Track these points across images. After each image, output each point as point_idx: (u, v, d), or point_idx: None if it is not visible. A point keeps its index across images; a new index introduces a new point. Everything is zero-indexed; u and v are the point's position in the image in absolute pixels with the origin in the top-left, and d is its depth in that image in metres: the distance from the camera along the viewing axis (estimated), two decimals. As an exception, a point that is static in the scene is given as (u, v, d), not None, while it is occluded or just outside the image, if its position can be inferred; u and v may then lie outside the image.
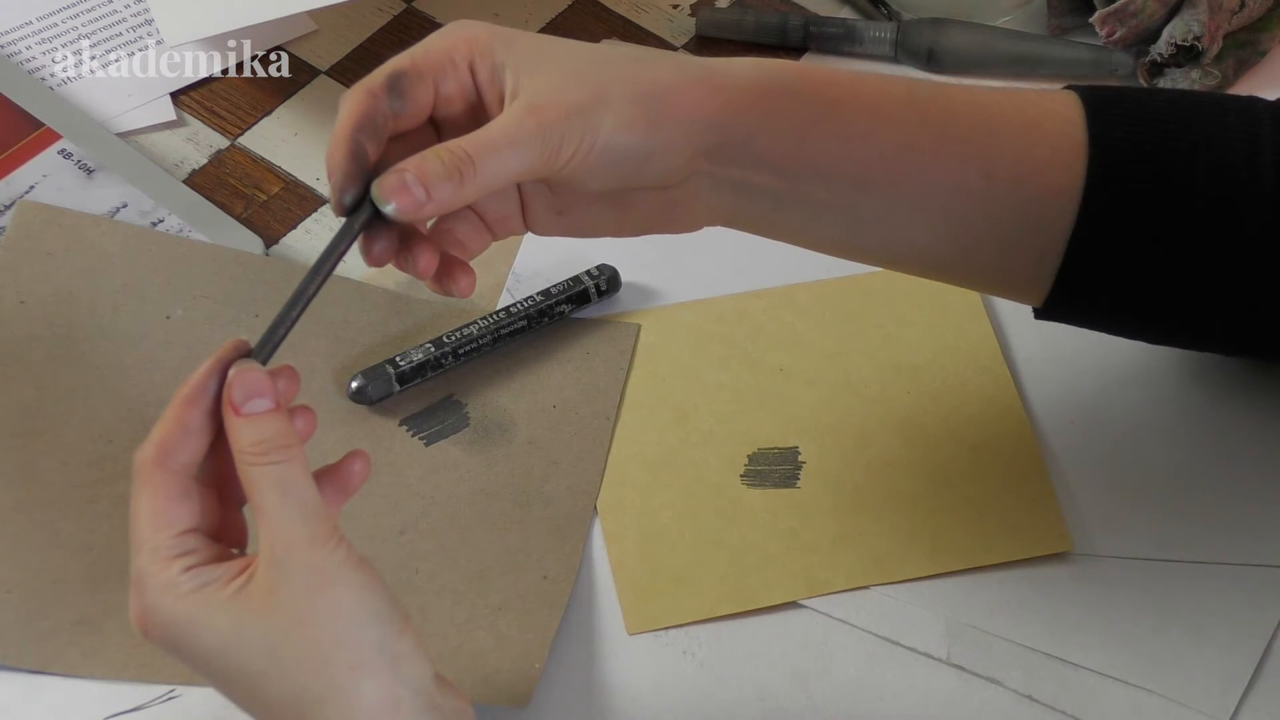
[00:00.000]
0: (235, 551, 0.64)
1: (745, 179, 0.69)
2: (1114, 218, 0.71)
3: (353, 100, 0.66)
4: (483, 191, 0.65)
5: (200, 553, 0.62)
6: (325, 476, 0.65)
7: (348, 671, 0.60)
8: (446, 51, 0.67)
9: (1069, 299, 0.73)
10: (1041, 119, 0.72)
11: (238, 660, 0.60)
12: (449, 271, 0.69)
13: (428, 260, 0.68)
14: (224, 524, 0.64)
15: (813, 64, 0.71)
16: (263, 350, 0.64)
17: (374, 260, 0.67)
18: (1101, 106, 0.72)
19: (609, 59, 0.68)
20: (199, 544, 0.62)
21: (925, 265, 0.74)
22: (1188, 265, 0.72)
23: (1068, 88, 0.74)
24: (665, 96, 0.67)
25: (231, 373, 0.63)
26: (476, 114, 0.68)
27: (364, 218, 0.66)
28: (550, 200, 0.70)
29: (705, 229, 0.86)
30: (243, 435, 0.62)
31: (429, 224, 0.69)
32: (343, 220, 0.66)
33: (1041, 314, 0.75)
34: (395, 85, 0.66)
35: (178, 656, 0.62)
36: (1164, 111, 0.73)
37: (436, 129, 0.69)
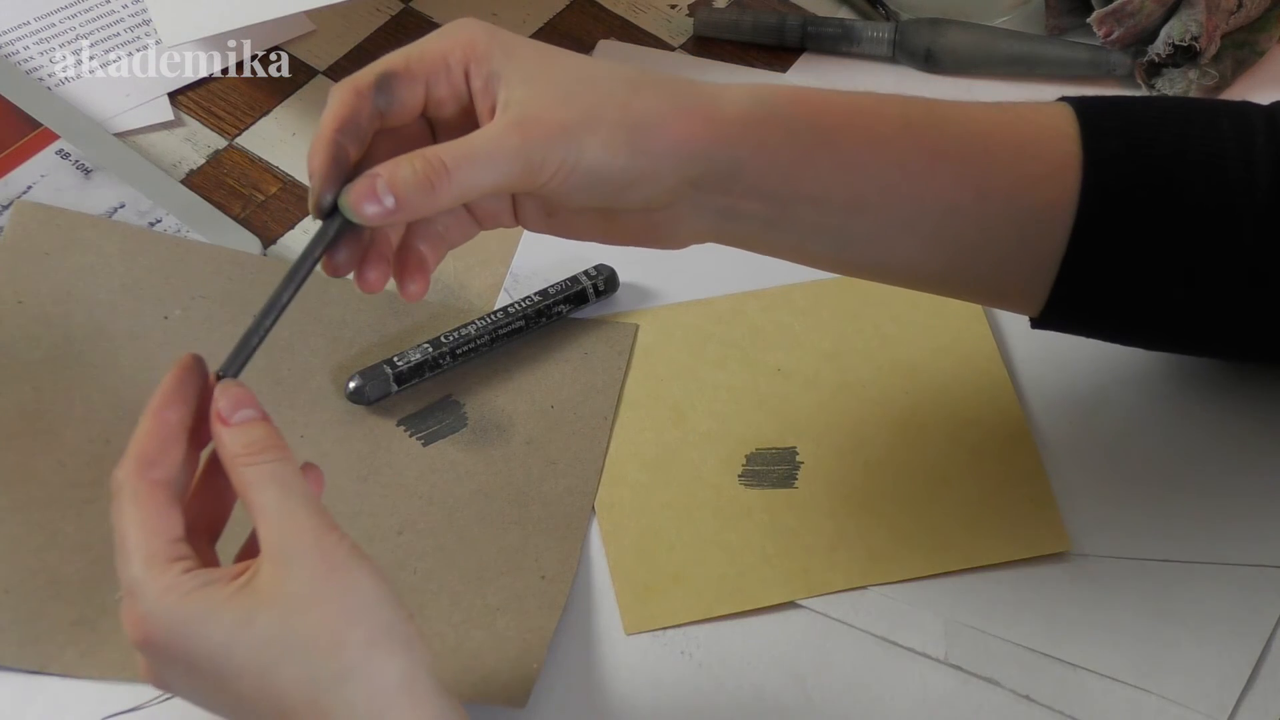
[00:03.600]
0: None
1: (733, 206, 0.69)
2: (1109, 230, 0.71)
3: (339, 99, 0.66)
4: (456, 202, 0.65)
5: (194, 558, 0.62)
6: None
7: (364, 650, 0.60)
8: (442, 55, 0.67)
9: (1065, 310, 0.73)
10: (1035, 134, 0.72)
11: (247, 653, 0.60)
12: (404, 273, 0.69)
13: (377, 276, 0.67)
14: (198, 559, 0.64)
15: (807, 89, 0.70)
16: (235, 360, 0.65)
17: (333, 270, 0.67)
18: (1095, 118, 0.72)
19: (604, 79, 0.67)
20: (190, 551, 0.62)
21: (919, 280, 0.74)
22: (1183, 275, 0.72)
23: (1061, 99, 0.74)
24: (654, 125, 0.67)
25: (216, 391, 0.64)
26: (468, 116, 0.68)
27: (339, 223, 0.66)
28: (540, 204, 0.70)
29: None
30: (234, 440, 0.63)
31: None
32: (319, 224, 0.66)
33: (1038, 324, 0.75)
34: (384, 86, 0.66)
35: (178, 666, 0.61)
36: (1157, 121, 0.73)
37: (430, 125, 0.69)
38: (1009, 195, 0.71)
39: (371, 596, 0.61)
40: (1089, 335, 0.77)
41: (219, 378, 0.64)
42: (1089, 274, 0.72)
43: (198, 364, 0.65)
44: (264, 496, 0.62)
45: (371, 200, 0.64)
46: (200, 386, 0.65)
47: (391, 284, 0.87)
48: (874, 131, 0.70)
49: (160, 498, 0.63)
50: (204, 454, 0.66)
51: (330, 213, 0.66)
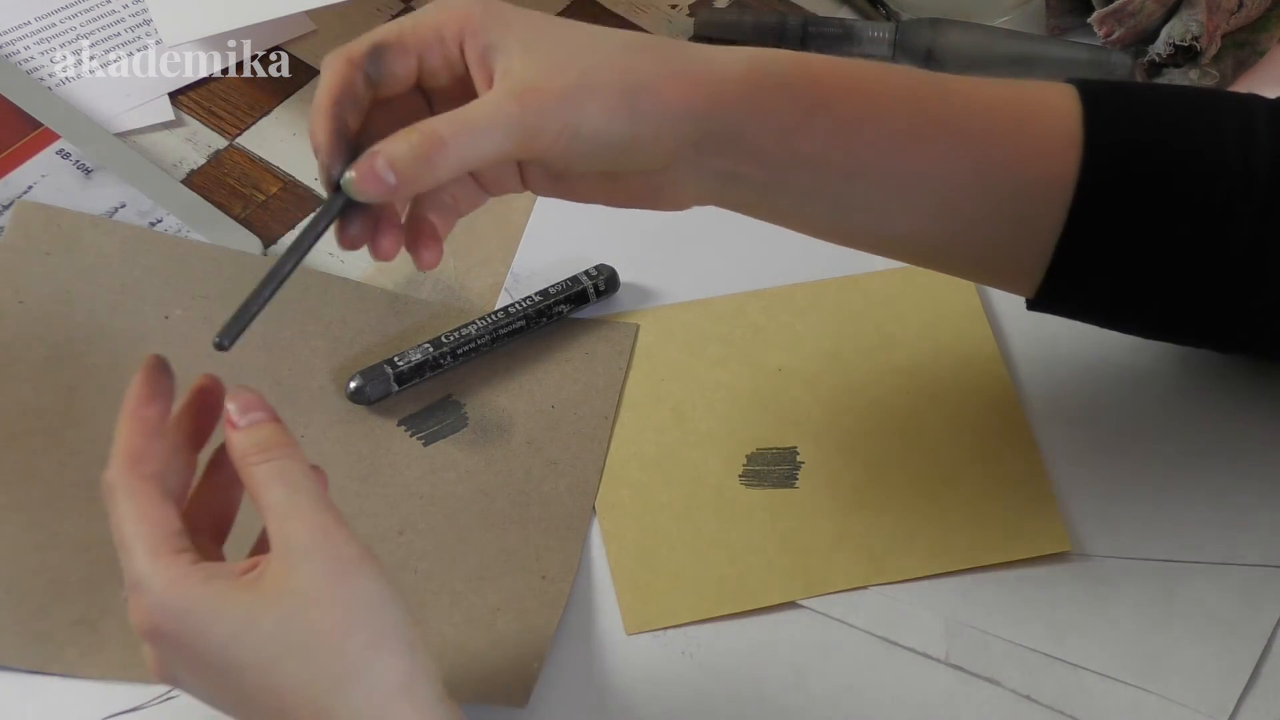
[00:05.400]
0: None
1: (732, 169, 0.69)
2: (1106, 210, 0.71)
3: (332, 70, 0.67)
4: (456, 173, 0.66)
5: (195, 551, 0.62)
6: None
7: (365, 652, 0.60)
8: (437, 28, 0.67)
9: (1060, 291, 0.73)
10: (1037, 111, 0.72)
11: (251, 648, 0.60)
12: (416, 243, 0.69)
13: (389, 243, 0.68)
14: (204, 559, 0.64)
15: (806, 54, 0.71)
16: (232, 329, 0.64)
17: (348, 243, 0.67)
18: (1098, 100, 0.72)
19: (601, 44, 0.68)
20: (191, 544, 0.62)
21: (915, 252, 0.74)
22: (1180, 260, 0.72)
23: (1067, 81, 0.74)
24: (652, 88, 0.67)
25: (227, 397, 0.64)
26: (464, 86, 0.68)
27: (344, 198, 0.66)
28: (545, 169, 0.70)
29: (703, 230, 0.86)
30: (244, 441, 0.63)
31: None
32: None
33: (1033, 305, 0.75)
34: (376, 56, 0.67)
35: (183, 657, 0.61)
36: (1160, 106, 0.73)
37: (427, 97, 0.69)
38: (1008, 170, 0.71)
39: (376, 599, 0.61)
40: (1084, 319, 0.76)
41: (216, 346, 0.64)
42: (1085, 255, 0.72)
43: (160, 363, 0.65)
44: (272, 494, 0.62)
45: (373, 180, 0.65)
46: (168, 384, 0.65)
47: (390, 284, 0.87)
48: (874, 98, 0.70)
49: (153, 491, 0.63)
50: (208, 453, 0.66)
51: (338, 188, 0.66)
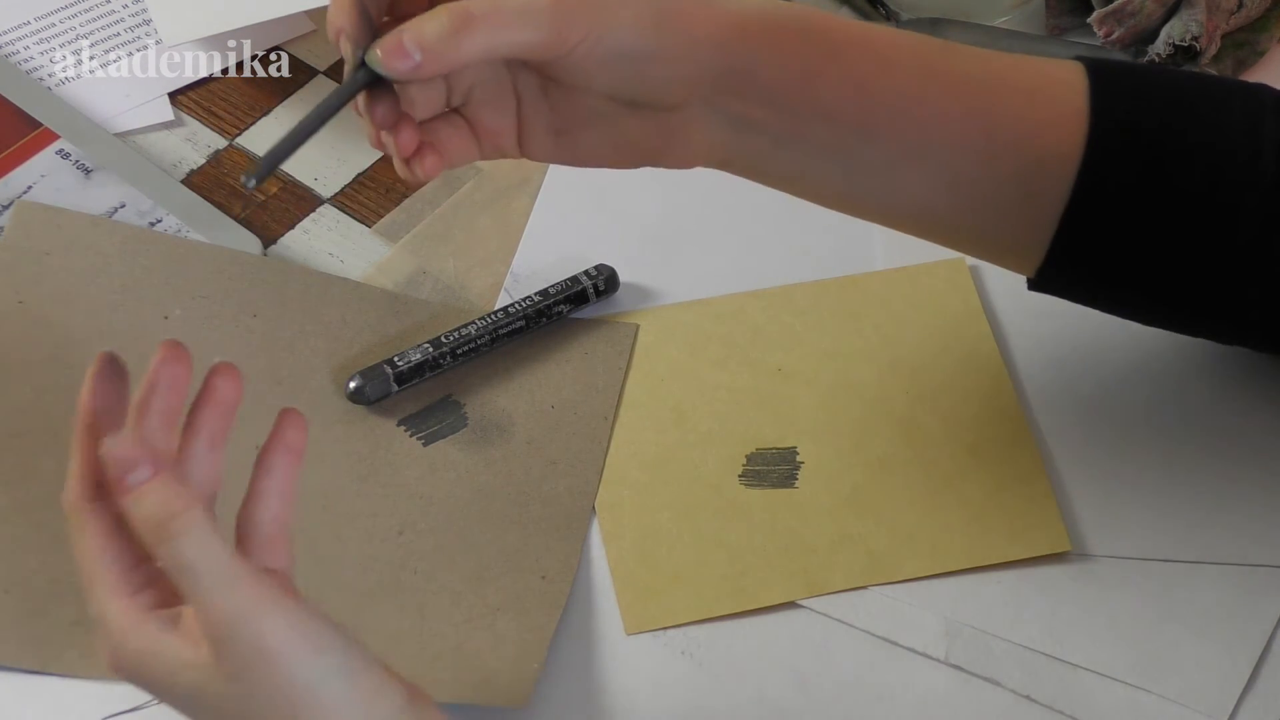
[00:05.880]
0: None
1: (746, 113, 0.70)
2: (1111, 188, 0.71)
3: None
4: (481, 56, 0.66)
5: (155, 587, 0.61)
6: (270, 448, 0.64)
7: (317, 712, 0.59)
8: None
9: (1061, 269, 0.73)
10: (1046, 85, 0.72)
11: (214, 701, 0.59)
12: (417, 151, 0.69)
13: (409, 135, 0.68)
14: None
15: (822, 11, 0.71)
16: (262, 170, 0.65)
17: (379, 121, 0.67)
18: (1106, 78, 0.72)
19: None
20: (149, 577, 0.61)
21: (920, 221, 0.74)
22: (1183, 242, 0.72)
23: (1076, 58, 0.74)
24: (681, 12, 0.68)
25: (102, 451, 0.59)
26: None
27: (366, 75, 0.66)
28: (549, 118, 0.70)
29: (703, 230, 0.86)
30: (136, 514, 0.59)
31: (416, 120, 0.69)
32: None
33: (1034, 284, 0.75)
34: None
35: (155, 690, 0.61)
36: (1168, 88, 0.73)
37: None
38: (1016, 138, 0.71)
39: (311, 663, 0.59)
40: (1083, 301, 0.76)
41: (243, 185, 0.63)
42: (1087, 233, 0.72)
43: (107, 366, 0.62)
44: (181, 582, 0.59)
45: (400, 54, 0.65)
46: (119, 380, 0.62)
47: (390, 284, 0.87)
48: (886, 55, 0.71)
49: (106, 523, 0.60)
50: (177, 422, 0.63)
51: (363, 65, 0.66)
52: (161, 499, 0.59)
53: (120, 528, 0.60)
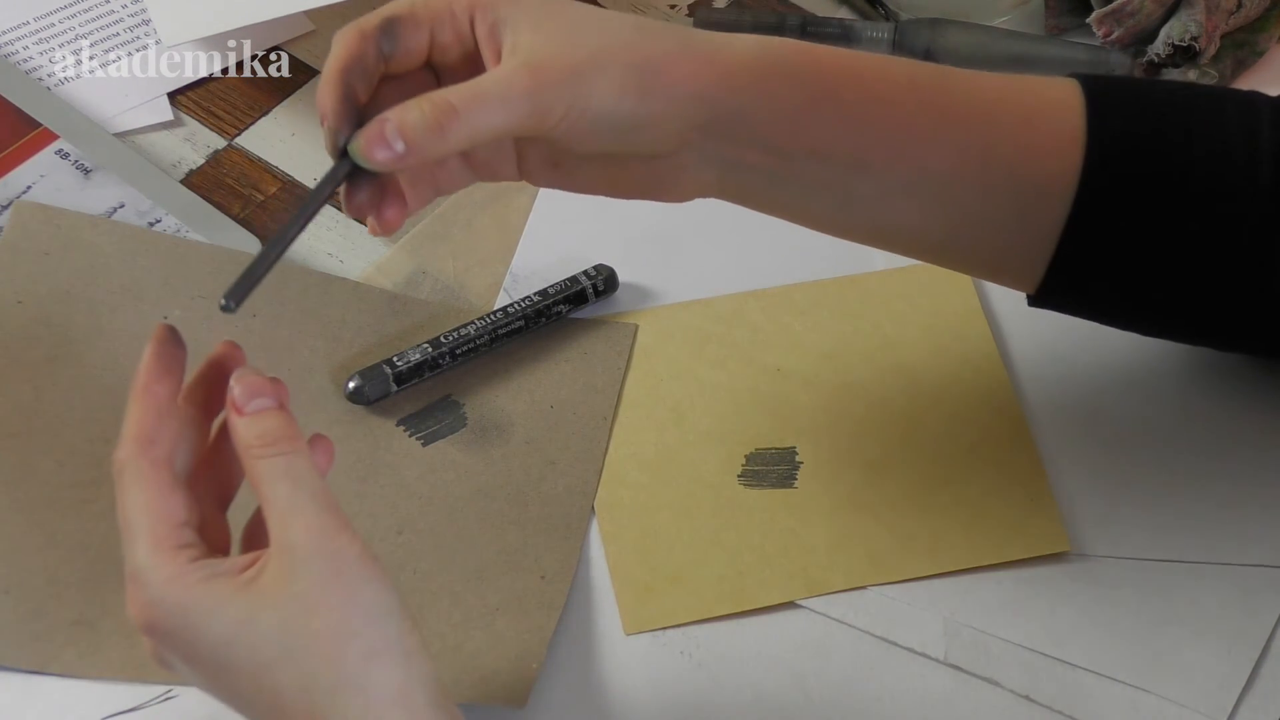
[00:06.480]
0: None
1: (738, 156, 0.69)
2: (1109, 207, 0.71)
3: (344, 40, 0.66)
4: (465, 145, 0.66)
5: (199, 546, 0.62)
6: None
7: (362, 661, 0.60)
8: (448, 2, 0.67)
9: (1062, 287, 0.73)
10: (1041, 107, 0.72)
11: (248, 649, 0.60)
12: (382, 202, 0.68)
13: (394, 214, 0.68)
14: (206, 527, 0.64)
15: (813, 44, 0.71)
16: (239, 290, 0.63)
17: (354, 211, 0.67)
18: (1101, 96, 0.72)
19: (611, 23, 0.68)
20: (196, 538, 0.62)
21: (918, 246, 0.74)
22: (1182, 257, 0.72)
23: (1071, 75, 0.74)
24: (661, 66, 0.67)
25: (233, 379, 0.63)
26: (473, 62, 0.68)
27: (348, 165, 0.66)
28: (546, 152, 0.70)
29: (703, 230, 0.86)
30: (248, 430, 0.62)
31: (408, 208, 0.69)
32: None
33: (1035, 301, 0.75)
34: (388, 30, 0.67)
35: (179, 653, 0.61)
36: (1163, 103, 0.73)
37: (435, 72, 0.69)
38: (1011, 164, 0.71)
39: (375, 608, 0.60)
40: (1085, 316, 0.76)
41: (223, 308, 0.63)
42: (1086, 251, 0.72)
43: (172, 334, 0.64)
44: (275, 490, 0.61)
45: (381, 145, 0.64)
46: (180, 355, 0.64)
47: (389, 284, 0.87)
48: (878, 89, 0.70)
49: (163, 478, 0.62)
50: (215, 423, 0.66)
51: (345, 154, 0.66)
52: (280, 423, 0.62)
53: (169, 486, 0.62)
